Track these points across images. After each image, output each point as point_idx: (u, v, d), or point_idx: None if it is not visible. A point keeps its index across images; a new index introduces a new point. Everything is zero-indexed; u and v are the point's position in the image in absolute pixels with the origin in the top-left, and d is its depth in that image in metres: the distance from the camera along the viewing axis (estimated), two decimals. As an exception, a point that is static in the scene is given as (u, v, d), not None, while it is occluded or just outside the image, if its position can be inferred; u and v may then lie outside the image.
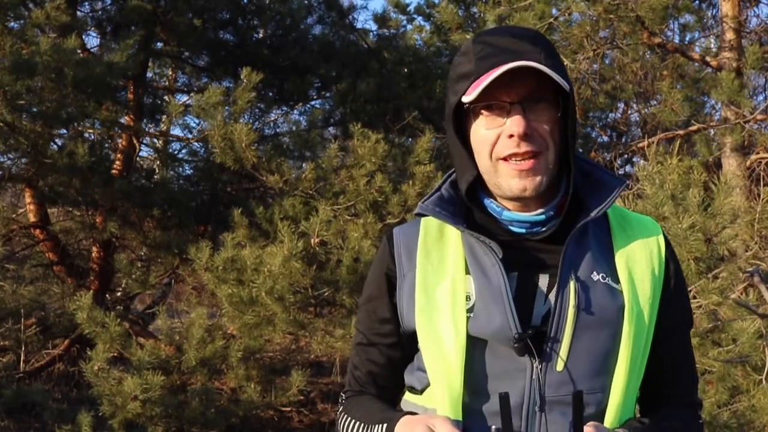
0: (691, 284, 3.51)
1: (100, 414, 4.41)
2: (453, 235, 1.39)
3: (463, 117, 1.35)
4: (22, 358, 6.46)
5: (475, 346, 1.29)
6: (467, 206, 1.39)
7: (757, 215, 4.01)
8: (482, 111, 1.31)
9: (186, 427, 4.60)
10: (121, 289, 7.42)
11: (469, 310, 1.30)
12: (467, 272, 1.34)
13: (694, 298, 3.57)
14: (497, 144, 1.30)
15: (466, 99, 1.29)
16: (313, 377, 6.41)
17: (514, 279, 1.32)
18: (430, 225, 1.42)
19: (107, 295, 6.93)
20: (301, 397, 5.13)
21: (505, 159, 1.30)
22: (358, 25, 8.03)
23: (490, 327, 1.28)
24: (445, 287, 1.34)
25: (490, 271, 1.32)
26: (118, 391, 4.31)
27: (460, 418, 1.28)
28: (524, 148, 1.28)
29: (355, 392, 1.49)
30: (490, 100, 1.29)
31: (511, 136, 1.28)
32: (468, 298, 1.32)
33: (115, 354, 4.98)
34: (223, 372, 5.11)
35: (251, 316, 4.67)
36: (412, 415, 1.31)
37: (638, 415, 1.42)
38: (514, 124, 1.27)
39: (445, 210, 1.38)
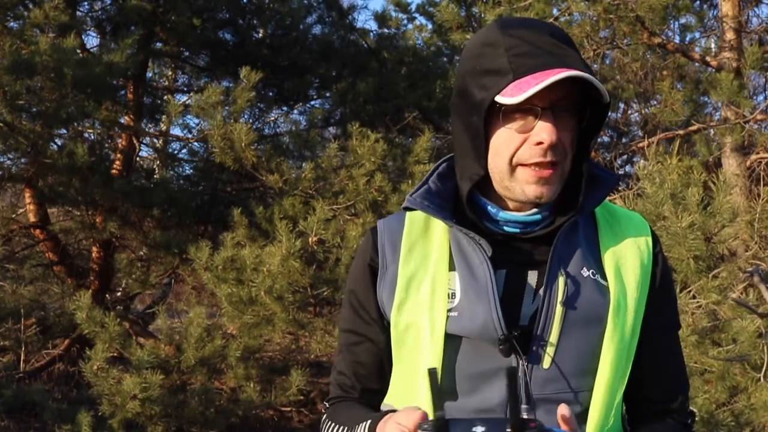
0: (690, 283, 3.51)
1: (99, 414, 4.41)
2: (439, 229, 1.35)
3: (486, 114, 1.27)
4: (22, 358, 6.45)
5: (455, 345, 1.26)
6: (455, 200, 1.35)
7: (757, 215, 4.01)
8: (517, 114, 1.23)
9: (185, 426, 4.60)
10: (121, 289, 7.43)
11: (452, 309, 1.26)
12: (452, 269, 1.30)
13: (694, 297, 3.57)
14: (521, 148, 1.24)
15: (506, 101, 1.21)
16: (313, 377, 6.40)
17: (503, 277, 1.28)
18: (415, 218, 1.37)
19: (107, 295, 6.94)
20: (301, 397, 5.12)
21: (525, 164, 1.24)
22: (358, 25, 8.04)
23: (472, 326, 1.24)
24: (427, 283, 1.29)
25: (478, 268, 1.27)
26: (118, 391, 4.31)
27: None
28: (549, 157, 1.23)
29: (340, 399, 1.42)
30: (524, 104, 1.21)
31: (540, 143, 1.22)
32: (452, 295, 1.27)
33: (115, 354, 4.99)
34: (223, 372, 5.11)
35: (251, 316, 4.67)
36: (393, 412, 1.22)
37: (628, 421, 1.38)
38: (545, 131, 1.21)
39: (433, 203, 1.33)
